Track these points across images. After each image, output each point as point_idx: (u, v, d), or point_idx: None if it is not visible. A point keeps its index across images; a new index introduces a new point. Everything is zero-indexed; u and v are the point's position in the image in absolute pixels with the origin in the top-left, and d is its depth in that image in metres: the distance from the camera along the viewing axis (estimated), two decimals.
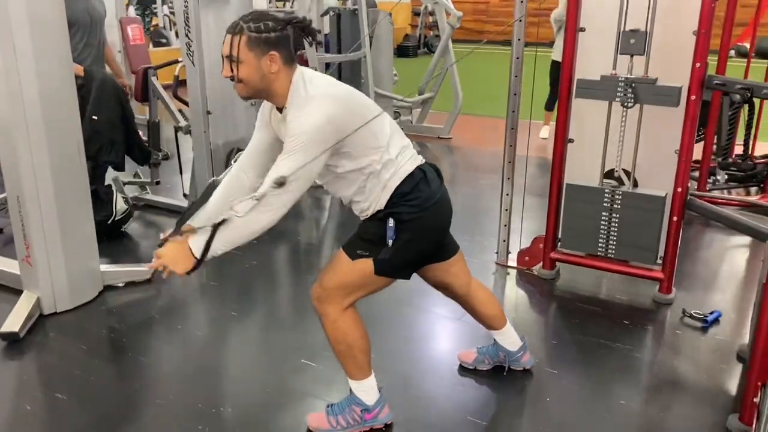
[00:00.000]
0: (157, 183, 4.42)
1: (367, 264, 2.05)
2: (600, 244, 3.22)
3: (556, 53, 6.49)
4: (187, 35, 3.48)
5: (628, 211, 3.10)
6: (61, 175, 2.86)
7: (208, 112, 3.64)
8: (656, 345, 2.82)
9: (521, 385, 2.52)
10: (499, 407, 2.42)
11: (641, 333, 2.93)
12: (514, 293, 3.36)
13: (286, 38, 1.89)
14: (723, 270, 3.62)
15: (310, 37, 1.95)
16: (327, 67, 5.31)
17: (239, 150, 3.92)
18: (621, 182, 3.15)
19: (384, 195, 2.01)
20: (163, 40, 10.85)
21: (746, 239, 3.81)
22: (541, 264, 3.46)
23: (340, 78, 5.17)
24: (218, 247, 1.88)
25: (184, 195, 4.33)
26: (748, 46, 16.05)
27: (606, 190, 3.14)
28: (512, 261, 3.58)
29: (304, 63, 5.01)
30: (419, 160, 2.09)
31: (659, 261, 3.15)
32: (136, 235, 4.05)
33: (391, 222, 2.00)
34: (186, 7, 3.43)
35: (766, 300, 2.09)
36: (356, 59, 5.40)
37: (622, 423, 2.30)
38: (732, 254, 3.83)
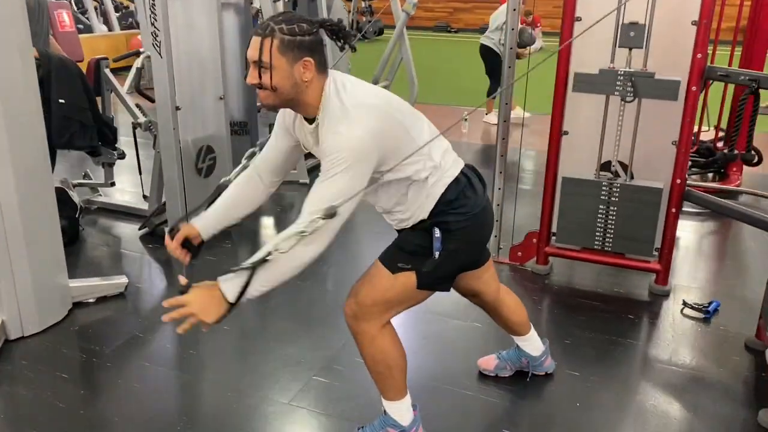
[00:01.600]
0: (112, 184, 4.07)
1: (409, 277, 1.89)
2: (597, 238, 3.17)
3: (487, 40, 6.52)
4: (153, 24, 3.17)
5: (626, 204, 3.07)
6: (25, 181, 2.54)
7: (177, 108, 3.34)
8: (666, 339, 2.80)
9: (548, 392, 2.43)
10: (532, 417, 2.32)
11: (649, 327, 2.91)
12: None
13: (320, 42, 1.70)
14: (713, 258, 3.67)
15: (343, 41, 1.75)
16: None
17: (209, 147, 3.64)
18: (617, 174, 3.11)
19: (428, 203, 1.86)
20: (80, 26, 10.18)
21: (730, 226, 3.88)
22: (534, 259, 3.40)
23: None
24: (256, 289, 1.65)
25: (144, 197, 4.01)
26: None
27: (603, 183, 3.09)
28: (503, 257, 3.49)
29: None
30: (461, 163, 1.94)
31: (655, 253, 3.15)
32: (94, 242, 3.71)
33: (437, 232, 1.85)
34: None
35: None
36: None
37: (658, 425, 2.25)
38: (719, 242, 3.88)
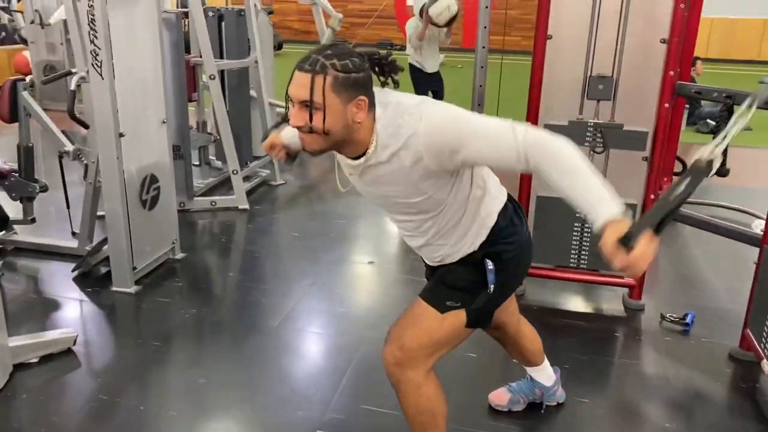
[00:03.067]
0: (32, 221, 3.60)
1: (458, 316, 1.75)
2: (572, 255, 3.15)
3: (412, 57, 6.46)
4: (92, 41, 2.81)
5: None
6: None
7: (121, 135, 2.99)
8: (657, 356, 2.80)
9: (564, 423, 2.34)
10: None
11: (636, 344, 2.91)
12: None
13: (371, 78, 1.53)
14: (679, 269, 3.72)
15: (387, 75, 1.58)
16: (223, 75, 4.72)
17: (153, 176, 3.29)
18: None
19: (481, 233, 1.74)
20: None
21: (682, 235, 3.98)
22: None
23: (224, 89, 4.65)
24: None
25: (73, 234, 3.57)
26: None
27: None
28: None
29: (191, 69, 4.42)
30: (504, 188, 1.82)
31: None
32: (18, 289, 3.24)
33: (490, 264, 1.73)
34: (91, 6, 2.77)
35: None
36: (244, 66, 4.87)
37: None
38: (676, 252, 3.94)
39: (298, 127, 1.50)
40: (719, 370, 2.68)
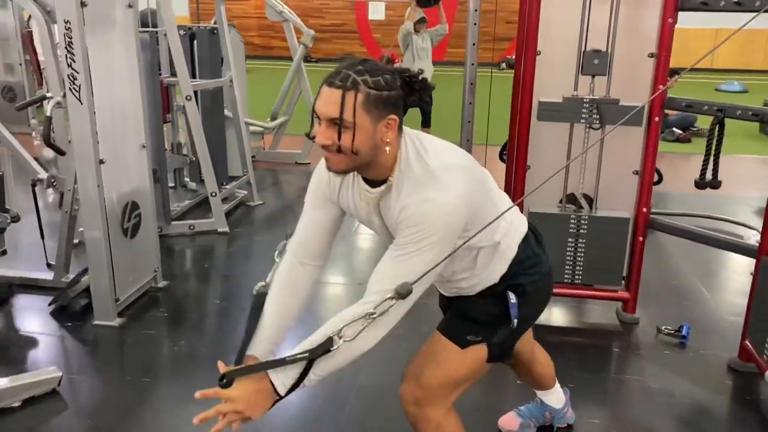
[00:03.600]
0: (3, 253, 3.41)
1: (480, 351, 1.68)
2: (567, 271, 3.13)
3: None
4: (70, 65, 2.68)
5: (594, 235, 3.05)
6: None
7: (101, 161, 2.86)
8: (658, 370, 2.78)
9: None
10: None
11: (636, 359, 2.89)
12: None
13: (402, 97, 1.45)
14: (669, 280, 3.72)
15: (419, 95, 1.49)
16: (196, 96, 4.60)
17: (134, 203, 3.16)
18: (580, 206, 3.10)
19: (501, 266, 1.66)
20: None
21: (677, 246, 3.98)
22: None
23: (198, 108, 4.53)
24: (310, 380, 1.43)
25: (48, 265, 3.41)
26: (514, 58, 17.94)
27: (572, 216, 3.05)
28: None
29: (164, 90, 4.30)
30: (524, 217, 1.76)
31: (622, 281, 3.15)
32: None
33: (513, 297, 1.65)
34: (68, 29, 2.64)
35: None
36: (218, 86, 4.76)
37: None
38: (670, 263, 3.94)
39: (325, 146, 1.42)
40: (722, 383, 2.68)
